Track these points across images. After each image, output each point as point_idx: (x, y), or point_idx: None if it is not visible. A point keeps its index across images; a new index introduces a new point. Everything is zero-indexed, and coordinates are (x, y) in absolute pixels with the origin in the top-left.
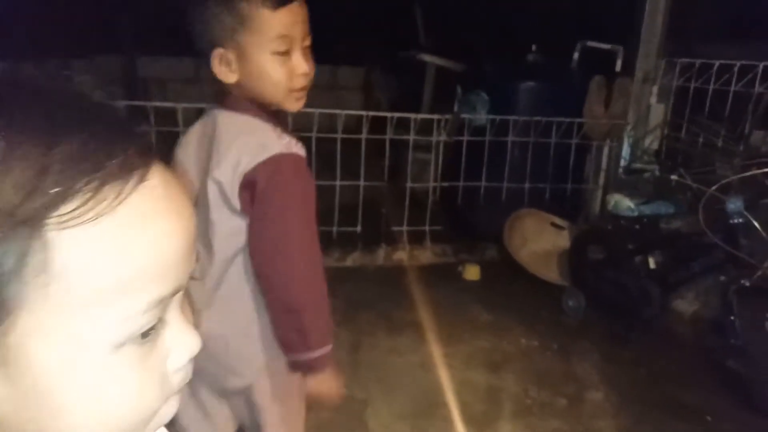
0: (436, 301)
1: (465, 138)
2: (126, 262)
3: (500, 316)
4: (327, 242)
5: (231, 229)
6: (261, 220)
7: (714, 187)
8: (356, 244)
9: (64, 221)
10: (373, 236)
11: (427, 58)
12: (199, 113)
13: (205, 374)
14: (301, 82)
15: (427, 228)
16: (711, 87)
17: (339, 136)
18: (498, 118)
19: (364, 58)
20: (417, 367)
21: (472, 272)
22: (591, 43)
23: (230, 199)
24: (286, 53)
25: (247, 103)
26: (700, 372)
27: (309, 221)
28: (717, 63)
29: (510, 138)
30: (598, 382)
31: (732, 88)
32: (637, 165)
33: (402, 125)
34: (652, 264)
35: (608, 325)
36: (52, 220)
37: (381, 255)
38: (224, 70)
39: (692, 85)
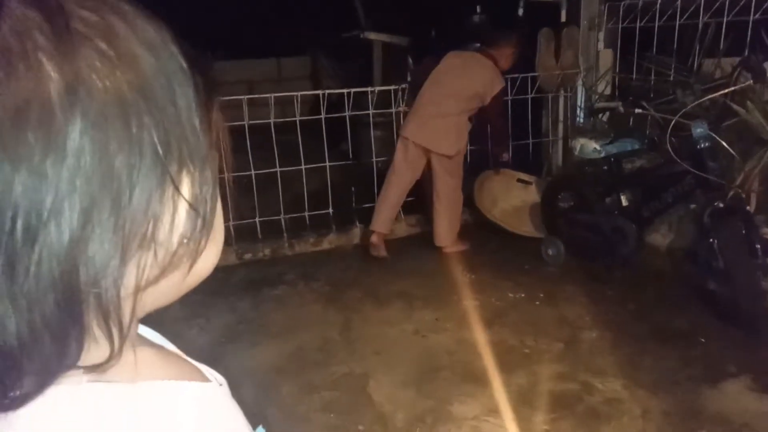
0: (419, 270)
1: None
2: None
3: (484, 275)
4: (300, 228)
5: (471, 104)
6: (493, 105)
7: (680, 113)
8: (330, 226)
9: None
10: (347, 216)
11: (372, 35)
12: None
13: (422, 143)
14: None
15: None
16: (656, 24)
17: (298, 118)
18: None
19: (308, 47)
20: (411, 334)
21: None
22: None
23: (485, 97)
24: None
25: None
26: (685, 299)
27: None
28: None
29: None
30: (589, 323)
31: (677, 22)
32: (600, 104)
33: (357, 107)
34: (624, 201)
35: (589, 268)
36: None
37: (356, 233)
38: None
39: (638, 25)
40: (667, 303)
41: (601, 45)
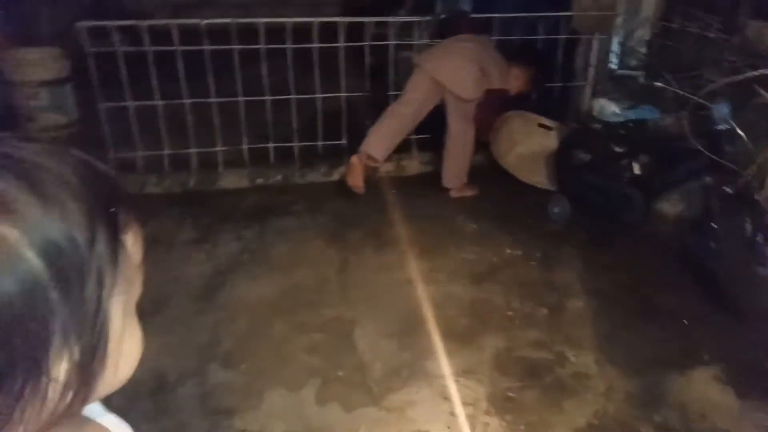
0: (424, 213)
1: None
2: None
3: (486, 226)
4: (313, 156)
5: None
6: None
7: (700, 94)
8: (342, 157)
9: None
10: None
11: None
12: None
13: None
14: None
15: (413, 137)
16: None
17: (315, 45)
18: (480, 16)
19: None
20: (404, 283)
21: None
22: None
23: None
24: None
25: None
26: (679, 274)
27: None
28: None
29: (494, 37)
30: (579, 290)
31: None
32: (623, 71)
33: (384, 23)
34: (636, 169)
35: (592, 231)
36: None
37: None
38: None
39: None
40: (661, 277)
41: None
